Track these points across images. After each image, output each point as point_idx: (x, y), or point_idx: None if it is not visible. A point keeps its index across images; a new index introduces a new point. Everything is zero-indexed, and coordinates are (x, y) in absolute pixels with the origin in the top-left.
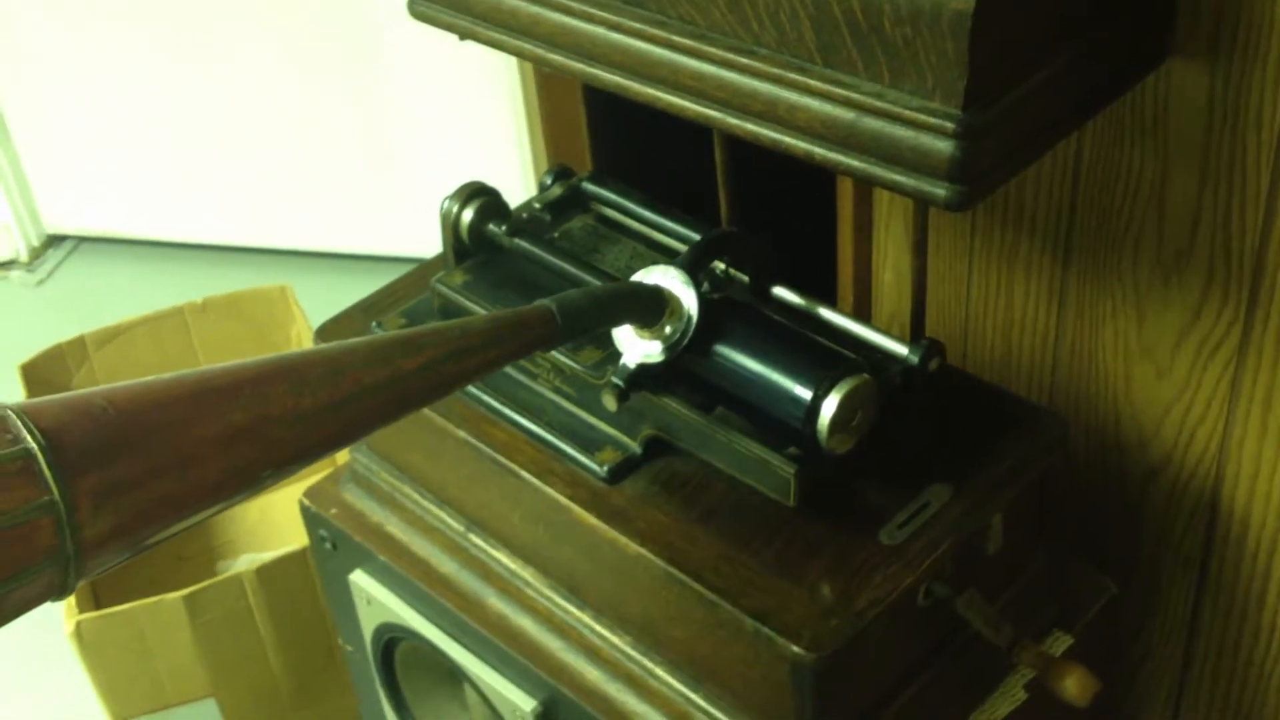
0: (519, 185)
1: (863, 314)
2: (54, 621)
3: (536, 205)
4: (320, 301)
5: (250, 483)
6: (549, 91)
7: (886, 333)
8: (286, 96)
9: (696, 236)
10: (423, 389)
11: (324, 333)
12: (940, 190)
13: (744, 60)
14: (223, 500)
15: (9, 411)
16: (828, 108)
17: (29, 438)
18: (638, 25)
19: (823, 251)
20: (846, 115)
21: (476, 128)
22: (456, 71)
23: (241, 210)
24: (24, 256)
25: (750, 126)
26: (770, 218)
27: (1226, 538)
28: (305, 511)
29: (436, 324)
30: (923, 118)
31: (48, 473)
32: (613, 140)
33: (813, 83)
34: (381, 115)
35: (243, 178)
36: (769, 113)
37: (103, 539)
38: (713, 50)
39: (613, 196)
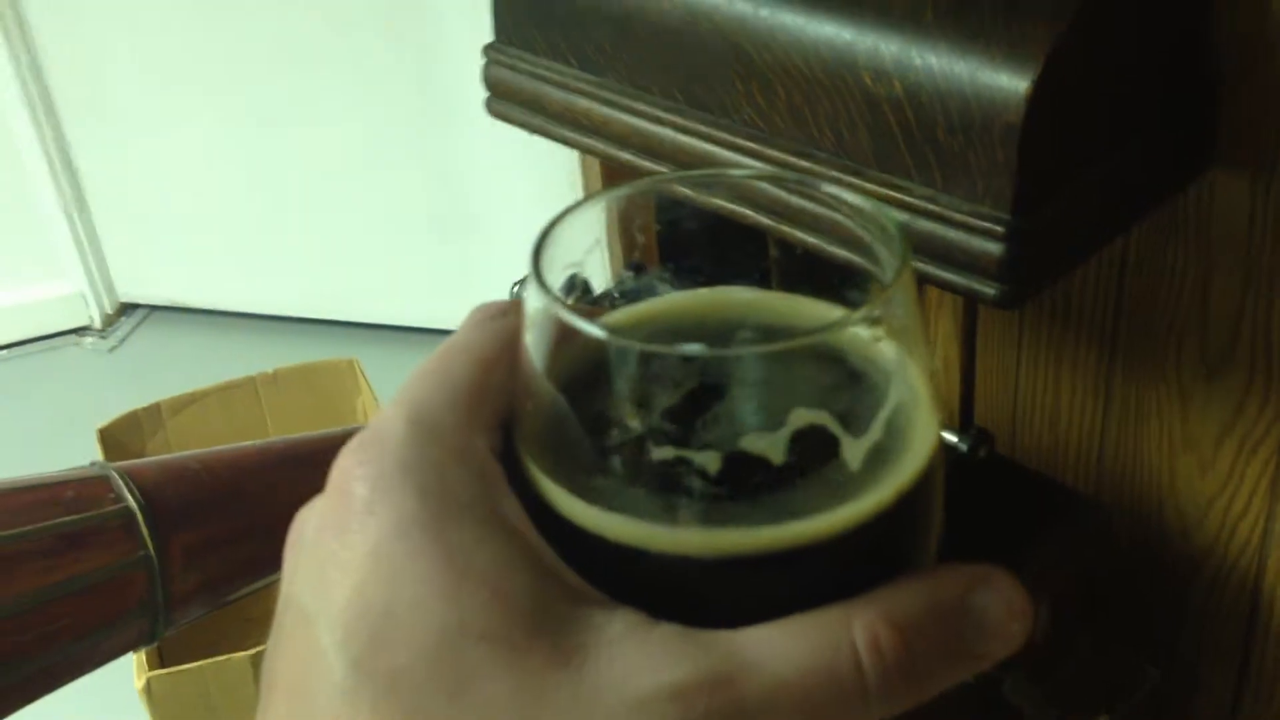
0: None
1: None
2: (123, 678)
3: (616, 294)
4: (388, 374)
5: None
6: (617, 177)
7: None
8: (360, 169)
9: None
10: None
11: None
12: (990, 289)
13: (803, 164)
14: None
15: (113, 471)
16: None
17: (130, 497)
18: (703, 129)
19: None
20: (900, 218)
21: (551, 203)
22: (528, 148)
23: (311, 282)
24: (98, 323)
25: (799, 233)
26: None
27: (1267, 630)
28: None
29: None
30: (974, 221)
31: (145, 530)
32: (675, 235)
33: (868, 187)
34: (453, 189)
35: (313, 250)
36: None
37: (190, 594)
38: (774, 154)
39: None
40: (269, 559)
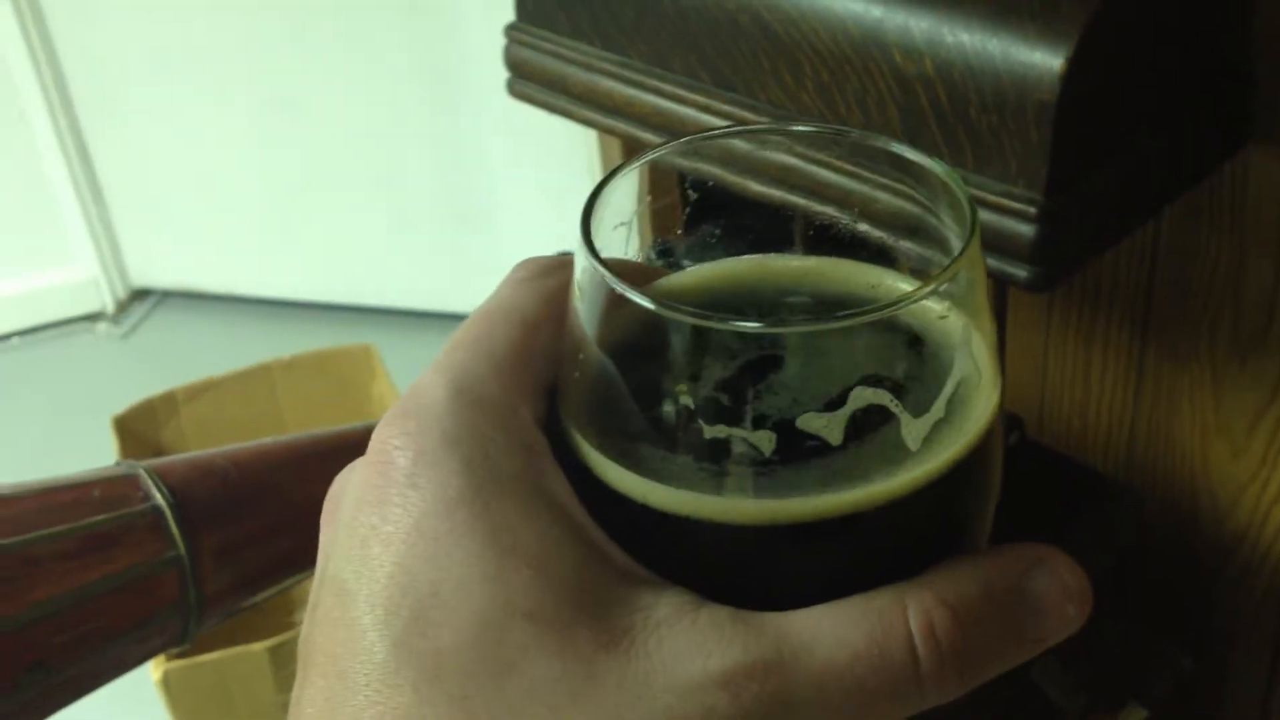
0: None
1: None
2: (141, 670)
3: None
4: (404, 360)
5: None
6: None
7: None
8: (375, 153)
9: None
10: None
11: None
12: (1022, 272)
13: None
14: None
15: (141, 470)
16: None
17: (159, 496)
18: (729, 108)
19: None
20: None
21: (565, 186)
22: (546, 131)
23: (325, 267)
24: (111, 310)
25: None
26: None
27: None
28: None
29: None
30: (1006, 202)
31: (175, 529)
32: (702, 220)
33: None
34: (470, 173)
35: (327, 235)
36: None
37: (223, 593)
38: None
39: None
40: (301, 555)
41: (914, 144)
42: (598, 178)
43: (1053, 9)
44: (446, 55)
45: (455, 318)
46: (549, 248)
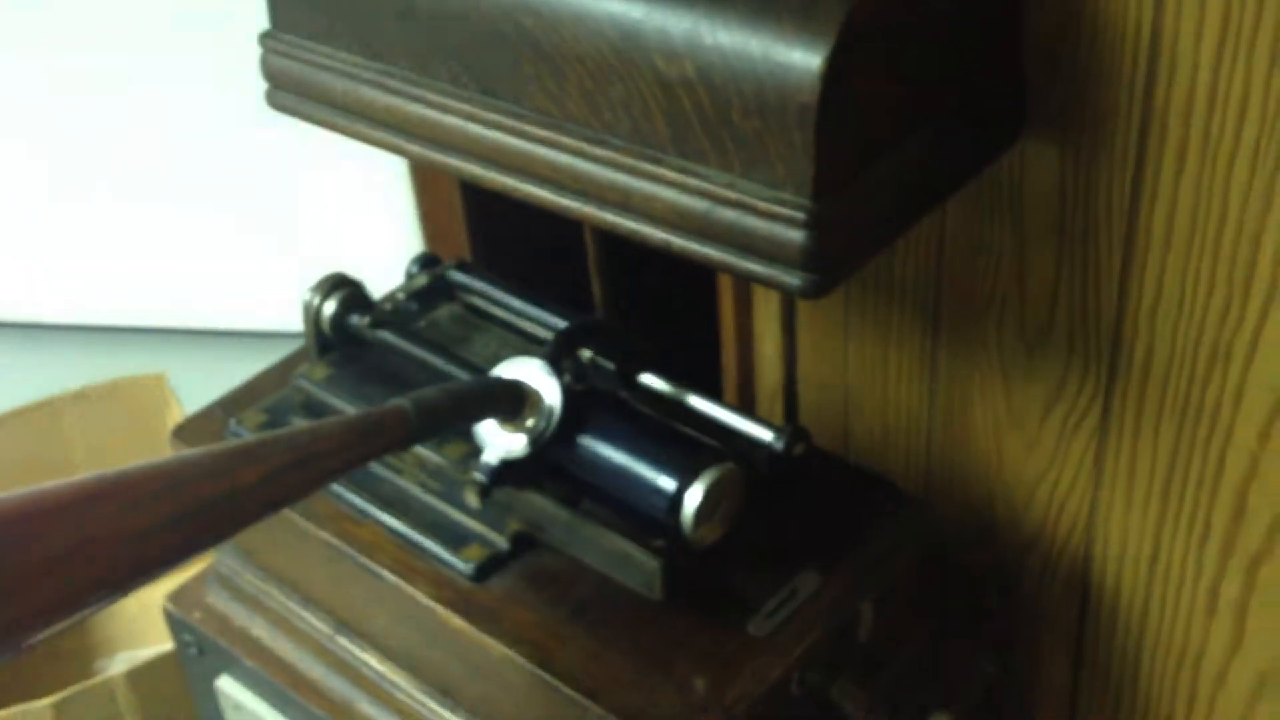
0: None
1: (747, 390)
2: None
3: (401, 295)
4: (199, 385)
5: (81, 606)
6: (426, 177)
7: (754, 418)
8: (164, 164)
9: (564, 324)
10: (267, 500)
11: (181, 433)
12: (794, 279)
13: (598, 151)
14: (53, 626)
15: None
16: (682, 198)
17: None
18: (493, 116)
19: (711, 328)
20: (700, 205)
21: (369, 201)
22: (346, 143)
23: (108, 287)
24: None
25: (608, 216)
26: (656, 292)
27: (1099, 612)
28: (169, 616)
29: (282, 430)
30: (775, 208)
31: None
32: (493, 228)
33: (666, 173)
34: (265, 186)
35: (113, 253)
36: (625, 203)
37: None
38: (567, 140)
39: (479, 285)
40: (10, 624)
41: (682, 149)
42: (404, 194)
43: (811, 6)
44: (239, 63)
45: (253, 336)
46: (350, 264)
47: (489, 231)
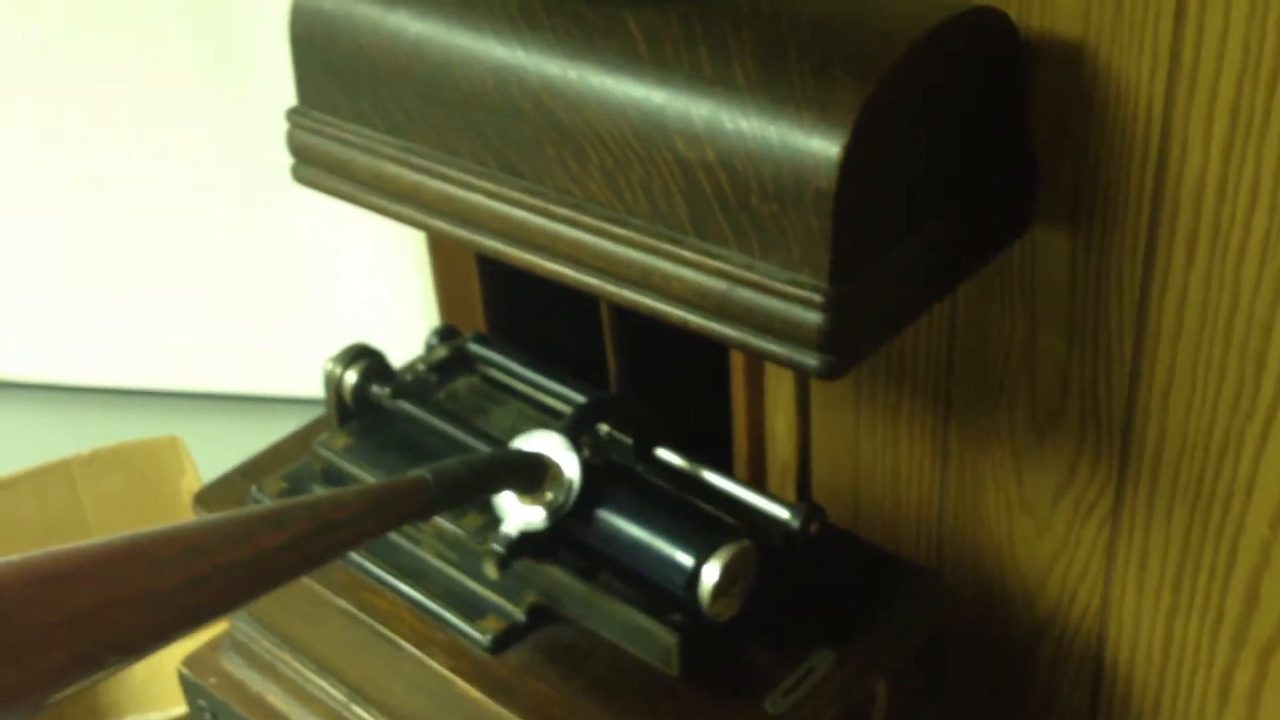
0: (422, 329)
1: (758, 465)
2: None
3: (421, 366)
4: (214, 448)
5: (99, 668)
6: (443, 247)
7: (769, 495)
8: (183, 231)
9: (581, 398)
10: (287, 567)
11: (203, 499)
12: (811, 360)
13: (619, 230)
14: (70, 686)
15: None
16: (701, 278)
17: None
18: (516, 195)
19: (723, 404)
20: (719, 286)
21: (386, 266)
22: (358, 211)
23: (126, 350)
24: None
25: (627, 294)
26: (668, 369)
27: (1112, 696)
28: (184, 680)
29: (305, 497)
30: (792, 290)
31: None
32: (508, 300)
33: (686, 254)
34: (280, 253)
35: (132, 317)
36: (644, 281)
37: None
38: (589, 220)
39: (497, 358)
40: (24, 686)
41: (701, 231)
42: (420, 257)
43: (828, 95)
44: (258, 134)
45: (268, 401)
46: (367, 330)
47: (504, 302)
